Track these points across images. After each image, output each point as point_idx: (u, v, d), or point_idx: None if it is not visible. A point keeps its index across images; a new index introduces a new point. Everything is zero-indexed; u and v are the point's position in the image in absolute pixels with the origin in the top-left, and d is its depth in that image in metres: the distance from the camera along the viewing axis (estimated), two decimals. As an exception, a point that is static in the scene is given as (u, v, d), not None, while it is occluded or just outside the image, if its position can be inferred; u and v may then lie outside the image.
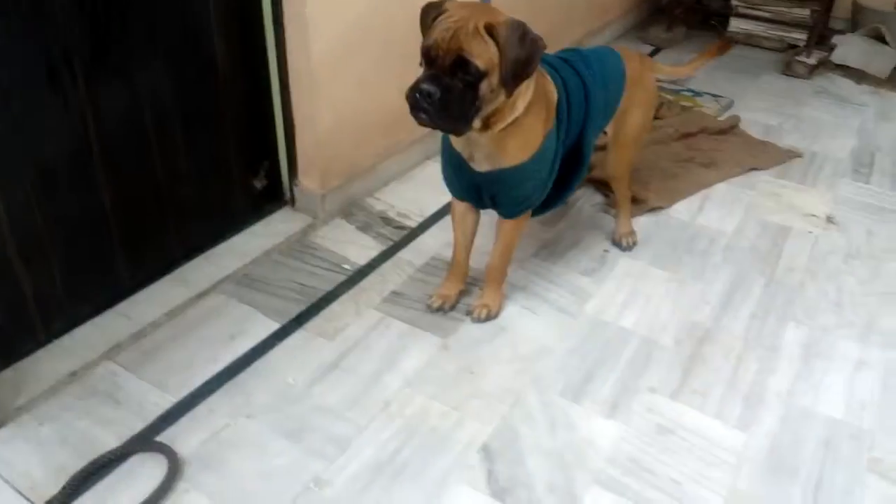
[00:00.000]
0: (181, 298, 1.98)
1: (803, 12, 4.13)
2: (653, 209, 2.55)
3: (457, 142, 1.74)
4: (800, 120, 3.33)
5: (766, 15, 4.19)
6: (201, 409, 1.68)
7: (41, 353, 1.76)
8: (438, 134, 2.72)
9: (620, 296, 2.13)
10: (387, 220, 2.44)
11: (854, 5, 4.08)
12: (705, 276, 2.23)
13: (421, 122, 1.53)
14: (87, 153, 1.74)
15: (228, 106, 2.09)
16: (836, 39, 3.98)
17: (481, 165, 1.73)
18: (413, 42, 2.45)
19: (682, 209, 2.58)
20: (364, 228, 2.39)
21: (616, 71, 2.00)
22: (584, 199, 2.60)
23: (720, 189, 2.72)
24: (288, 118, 2.25)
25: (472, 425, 1.68)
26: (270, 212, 2.38)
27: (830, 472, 1.60)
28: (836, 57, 3.91)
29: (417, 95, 1.49)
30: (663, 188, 2.66)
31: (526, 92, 1.62)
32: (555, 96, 1.76)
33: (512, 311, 2.05)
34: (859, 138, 3.17)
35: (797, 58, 3.87)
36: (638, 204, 2.50)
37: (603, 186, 2.59)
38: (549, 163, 1.79)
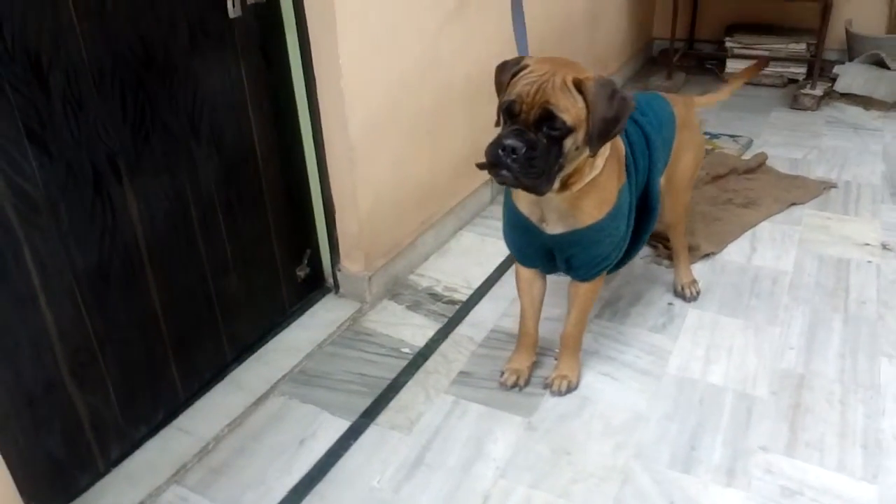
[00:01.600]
0: (240, 406, 1.84)
1: (799, 46, 4.19)
2: (706, 255, 2.47)
3: (525, 205, 1.65)
4: (822, 151, 3.31)
5: (763, 53, 4.23)
6: (285, 527, 1.53)
7: (103, 484, 1.60)
8: (470, 204, 2.70)
9: (699, 350, 2.02)
10: (435, 296, 2.33)
11: (847, 34, 4.14)
12: (779, 319, 2.13)
13: (502, 181, 1.45)
14: (136, 254, 1.63)
15: (269, 194, 2.00)
16: (837, 69, 4.01)
17: (554, 228, 1.64)
18: (440, 115, 2.44)
19: (733, 252, 2.50)
20: (414, 307, 2.27)
21: (666, 114, 1.95)
22: (634, 253, 2.50)
23: (765, 227, 2.65)
24: (328, 201, 2.16)
25: (583, 512, 1.53)
26: (315, 301, 2.27)
27: (983, 520, 1.46)
28: (841, 86, 3.94)
29: (500, 151, 1.41)
30: (710, 233, 2.59)
31: (604, 150, 1.54)
32: (623, 149, 1.70)
33: (591, 379, 1.92)
34: (886, 163, 3.14)
35: (803, 91, 3.89)
36: (690, 252, 2.41)
37: (650, 238, 2.50)
38: (626, 218, 1.70)
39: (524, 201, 1.65)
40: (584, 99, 1.39)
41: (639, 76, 4.50)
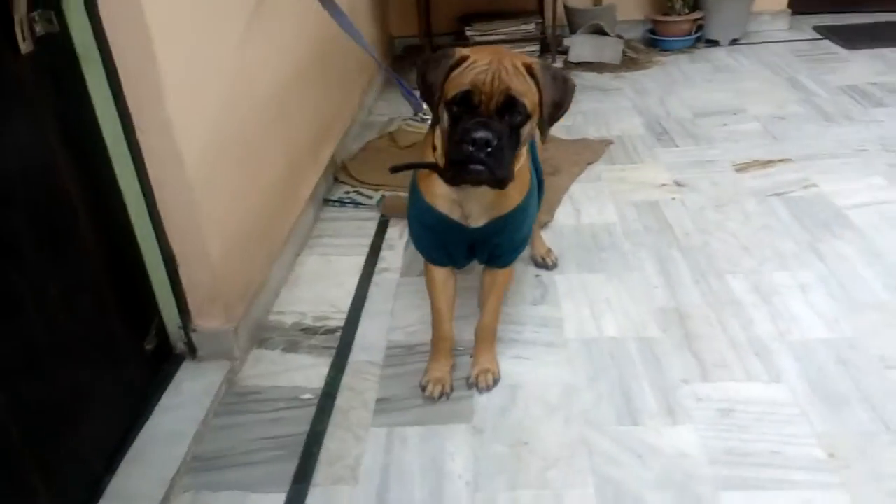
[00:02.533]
0: (143, 521, 1.49)
1: (529, 26, 4.58)
2: (543, 226, 2.58)
3: (444, 203, 1.56)
4: (585, 115, 3.66)
5: (501, 37, 4.56)
6: None
7: None
8: (300, 226, 2.50)
9: (584, 310, 2.10)
10: (309, 331, 2.11)
11: (566, 10, 4.62)
12: (632, 265, 2.30)
13: (475, 178, 1.36)
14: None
15: (97, 265, 1.64)
16: (566, 42, 4.47)
17: (479, 220, 1.57)
18: (260, 137, 2.20)
19: (562, 217, 2.65)
20: (291, 349, 2.04)
21: None
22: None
23: (577, 189, 2.85)
24: (168, 254, 1.83)
25: (572, 496, 1.50)
26: (171, 374, 1.92)
27: (863, 380, 1.73)
28: (573, 56, 4.40)
29: (472, 147, 1.30)
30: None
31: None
32: None
33: (508, 366, 1.90)
34: (641, 115, 3.57)
35: (546, 65, 4.26)
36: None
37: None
38: (536, 194, 1.71)
39: (443, 200, 1.56)
40: (536, 83, 1.36)
41: (397, 73, 4.55)
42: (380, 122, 3.73)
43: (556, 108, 1.40)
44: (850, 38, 4.34)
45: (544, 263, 2.32)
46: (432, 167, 1.53)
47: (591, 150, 3.18)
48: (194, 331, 1.94)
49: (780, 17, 4.79)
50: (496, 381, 1.82)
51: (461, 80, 1.35)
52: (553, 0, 4.20)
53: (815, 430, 1.61)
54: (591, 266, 2.31)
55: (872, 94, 3.50)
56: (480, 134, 1.30)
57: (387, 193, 2.88)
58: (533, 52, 4.61)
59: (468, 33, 4.59)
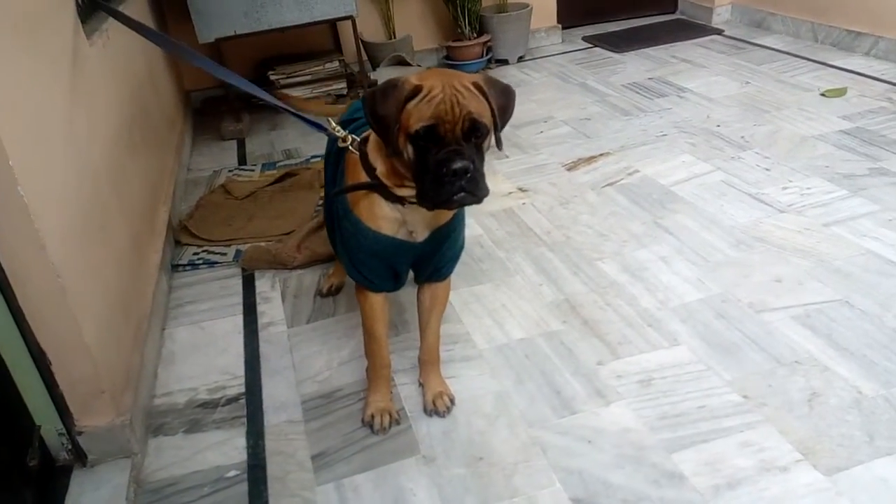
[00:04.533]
0: None
1: (334, 65, 4.60)
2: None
3: (388, 226, 1.54)
4: (411, 140, 3.74)
5: (307, 77, 4.53)
6: None
7: None
8: (157, 297, 2.29)
9: (486, 319, 2.15)
10: (209, 405, 1.93)
11: (364, 45, 4.71)
12: (511, 269, 2.40)
13: (461, 204, 1.40)
14: None
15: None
16: (373, 75, 4.55)
17: (422, 234, 1.57)
18: (101, 206, 1.97)
19: (430, 237, 2.69)
20: (194, 429, 1.85)
21: None
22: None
23: (432, 209, 2.91)
24: (37, 352, 1.57)
25: (543, 496, 1.52)
26: (62, 489, 1.64)
27: (743, 327, 1.96)
28: (382, 88, 4.49)
29: (450, 178, 1.32)
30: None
31: None
32: None
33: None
34: (464, 132, 3.73)
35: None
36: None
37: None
38: None
39: (386, 221, 1.53)
40: (486, 98, 1.39)
41: (201, 127, 4.34)
42: (203, 177, 3.52)
43: (503, 113, 1.45)
44: (616, 44, 4.92)
45: (431, 285, 2.33)
46: (375, 187, 1.50)
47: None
48: (80, 433, 1.68)
49: (553, 32, 5.28)
50: (453, 402, 1.80)
51: (421, 114, 1.34)
52: (354, 36, 4.26)
53: (724, 380, 1.79)
54: (475, 278, 2.37)
55: (652, 87, 3.99)
56: (458, 165, 1.32)
57: (241, 247, 2.72)
58: (341, 88, 4.64)
59: (272, 77, 4.49)
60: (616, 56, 4.67)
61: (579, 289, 2.24)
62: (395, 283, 1.70)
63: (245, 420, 1.85)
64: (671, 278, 2.23)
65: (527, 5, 4.85)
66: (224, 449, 1.76)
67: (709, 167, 2.94)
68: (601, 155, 3.21)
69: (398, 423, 1.76)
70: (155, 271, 2.39)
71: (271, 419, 1.84)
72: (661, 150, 3.17)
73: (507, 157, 3.34)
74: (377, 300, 1.70)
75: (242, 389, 1.97)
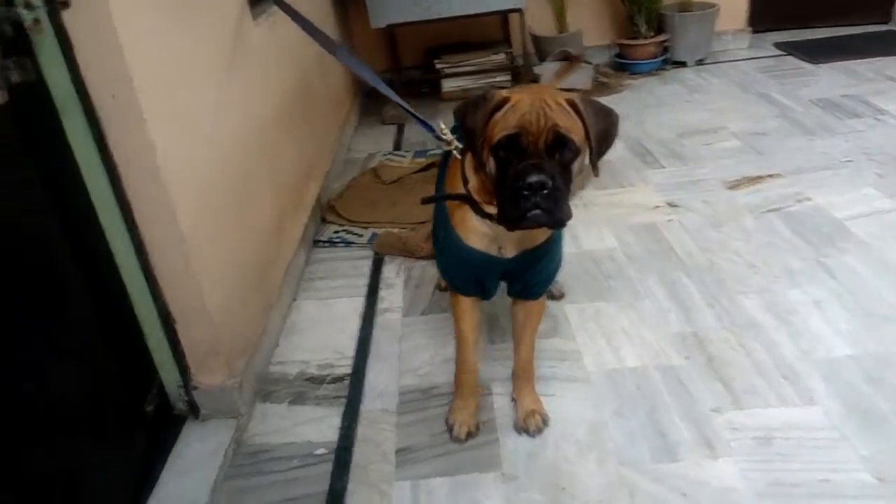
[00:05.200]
0: None
1: (499, 56, 4.58)
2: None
3: (478, 241, 1.51)
4: (566, 139, 3.63)
5: (472, 67, 4.55)
6: None
7: None
8: (292, 270, 2.40)
9: (601, 341, 2.04)
10: (315, 380, 2.00)
11: (533, 38, 4.64)
12: (641, 292, 2.25)
13: (534, 223, 1.30)
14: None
15: (91, 328, 1.52)
16: (537, 70, 4.47)
17: (512, 251, 1.52)
18: (248, 180, 2.11)
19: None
20: (299, 401, 1.93)
21: None
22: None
23: (571, 215, 2.80)
24: (164, 311, 1.71)
25: (621, 542, 1.42)
26: (174, 437, 1.79)
27: (896, 398, 1.70)
28: (544, 83, 4.40)
29: (526, 192, 1.24)
30: (535, 232, 2.66)
31: None
32: None
33: (531, 406, 1.81)
34: (620, 138, 3.54)
35: (521, 93, 4.24)
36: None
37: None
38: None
39: (477, 236, 1.50)
40: (580, 118, 1.31)
41: (368, 110, 4.51)
42: (359, 158, 3.66)
43: (603, 140, 1.36)
44: (813, 53, 4.44)
45: (551, 293, 2.25)
46: (464, 198, 1.47)
47: (581, 175, 3.14)
48: (195, 388, 1.82)
49: (740, 36, 4.88)
50: (546, 422, 1.74)
51: (506, 123, 1.29)
52: (521, 29, 4.20)
53: (858, 454, 1.56)
54: (600, 294, 2.25)
55: (846, 105, 3.55)
56: (535, 178, 1.24)
57: (378, 231, 2.79)
58: (504, 81, 4.60)
59: (438, 66, 4.56)
60: (809, 67, 4.22)
61: (712, 323, 2.05)
62: (481, 292, 1.66)
63: (345, 401, 1.90)
64: (822, 327, 1.98)
65: (713, 5, 4.52)
66: (319, 426, 1.82)
67: (895, 205, 2.57)
68: (770, 176, 2.92)
69: (474, 435, 1.72)
70: (294, 244, 2.52)
71: (368, 405, 1.88)
72: (842, 178, 2.82)
73: (662, 167, 3.14)
74: (466, 303, 1.67)
75: (349, 371, 2.02)
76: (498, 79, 4.58)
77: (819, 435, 1.62)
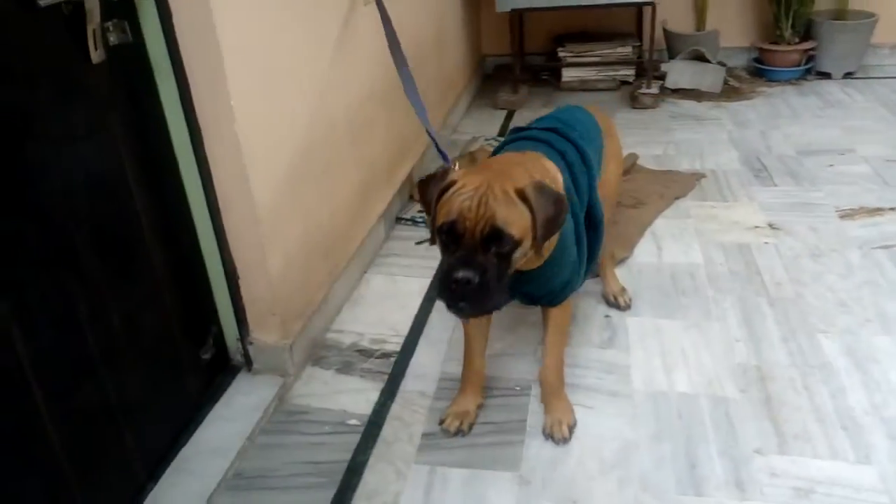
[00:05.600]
0: (175, 537, 1.47)
1: (626, 49, 4.42)
2: (619, 262, 2.44)
3: None
4: (677, 144, 3.48)
5: (595, 59, 4.42)
6: None
7: None
8: (369, 244, 2.47)
9: (655, 359, 1.96)
10: (365, 352, 2.07)
11: (666, 34, 4.44)
12: (714, 313, 2.14)
13: (462, 316, 1.38)
14: (17, 371, 1.23)
15: (159, 268, 1.65)
16: (664, 67, 4.29)
17: None
18: (330, 154, 2.20)
19: (642, 253, 2.51)
20: (345, 370, 2.01)
21: (593, 126, 1.90)
22: (555, 269, 2.43)
23: (660, 225, 2.69)
24: (230, 267, 1.83)
25: (618, 567, 1.38)
26: (225, 385, 1.92)
27: (973, 476, 1.52)
28: (670, 82, 4.21)
29: (453, 286, 1.26)
30: (615, 237, 2.57)
31: None
32: (560, 178, 1.58)
33: (565, 413, 1.78)
34: (738, 149, 3.36)
35: (640, 90, 4.09)
36: (610, 259, 2.38)
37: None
38: (574, 243, 1.61)
39: None
40: (528, 206, 1.30)
41: (482, 93, 4.51)
42: (462, 140, 3.68)
43: (551, 224, 1.35)
44: None
45: (616, 303, 2.19)
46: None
47: (680, 184, 3.01)
48: (251, 343, 1.94)
49: (902, 51, 4.42)
50: (572, 430, 1.71)
51: (448, 207, 1.31)
52: (652, 22, 4.02)
53: (908, 527, 1.42)
54: (668, 311, 2.16)
55: None
56: (461, 274, 1.26)
57: (460, 215, 2.81)
58: (627, 75, 4.46)
59: (560, 54, 4.48)
60: (976, 92, 3.76)
61: (781, 359, 1.92)
62: None
63: (386, 377, 1.95)
64: (903, 381, 1.80)
65: (872, 15, 4.11)
66: (357, 397, 1.88)
67: None
68: (891, 209, 2.66)
69: (465, 432, 1.73)
70: (375, 219, 2.60)
71: (407, 385, 1.92)
72: (977, 222, 2.51)
73: (775, 185, 2.94)
74: None
75: (398, 349, 2.07)
76: (621, 72, 4.45)
77: (867, 498, 1.48)
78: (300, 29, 1.96)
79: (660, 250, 2.52)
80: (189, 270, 1.78)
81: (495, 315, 2.09)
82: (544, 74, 4.72)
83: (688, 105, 4.02)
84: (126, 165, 1.53)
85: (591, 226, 1.76)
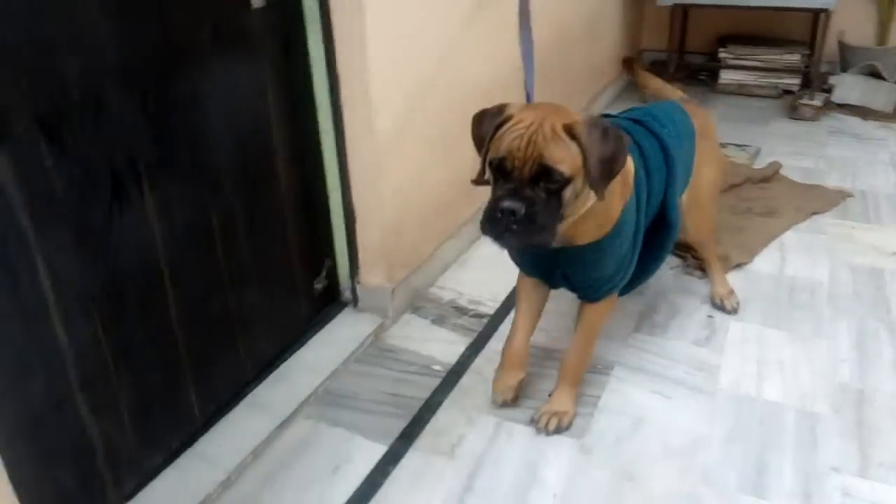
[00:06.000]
0: (264, 429, 1.67)
1: (793, 57, 4.18)
2: (736, 266, 2.37)
3: None
4: (830, 160, 3.27)
5: (758, 64, 4.22)
6: (330, 570, 1.36)
7: (117, 525, 1.42)
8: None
9: (750, 365, 1.91)
10: (460, 310, 2.18)
11: (841, 45, 4.15)
12: (825, 332, 2.04)
13: (506, 246, 1.36)
14: (154, 265, 1.46)
15: (288, 201, 1.85)
16: (833, 80, 4.01)
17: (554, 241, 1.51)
18: (457, 118, 2.29)
19: (764, 262, 2.42)
20: (439, 322, 2.13)
21: (687, 127, 1.85)
22: (663, 263, 2.40)
23: (791, 237, 2.57)
24: (349, 209, 2.00)
25: (659, 545, 1.40)
26: (332, 315, 2.10)
27: None
28: (837, 97, 3.94)
29: (499, 216, 1.29)
30: (737, 242, 2.50)
31: None
32: (631, 165, 1.57)
33: (642, 398, 1.80)
34: (899, 172, 3.11)
35: (802, 101, 3.86)
36: (720, 262, 2.32)
37: (677, 248, 2.40)
38: (630, 238, 1.57)
39: None
40: (579, 144, 1.30)
41: (632, 86, 4.43)
42: (601, 130, 3.66)
43: (608, 164, 1.32)
44: None
45: (722, 306, 2.14)
46: None
47: (823, 200, 2.84)
48: (359, 283, 2.10)
49: None
50: (562, 429, 1.69)
51: (499, 144, 1.32)
52: (823, 31, 3.78)
53: None
54: (776, 321, 2.09)
55: None
56: (507, 204, 1.28)
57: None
58: (791, 84, 4.21)
59: (721, 55, 4.32)
60: None
61: (888, 387, 1.81)
62: (540, 275, 1.66)
63: (475, 335, 2.05)
64: None
65: None
66: (445, 348, 2.00)
67: None
68: None
69: (510, 404, 1.76)
70: (496, 190, 2.69)
71: (494, 344, 2.01)
72: None
73: (936, 212, 2.71)
74: (527, 284, 1.72)
75: (491, 312, 2.16)
76: (785, 80, 4.21)
77: (947, 540, 1.39)
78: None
79: (783, 262, 2.41)
80: (313, 206, 1.96)
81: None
82: (702, 74, 4.57)
83: (851, 122, 3.75)
84: (270, 102, 1.72)
85: (664, 225, 1.74)
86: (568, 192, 1.32)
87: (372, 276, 2.09)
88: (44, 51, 1.16)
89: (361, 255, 2.08)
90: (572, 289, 1.63)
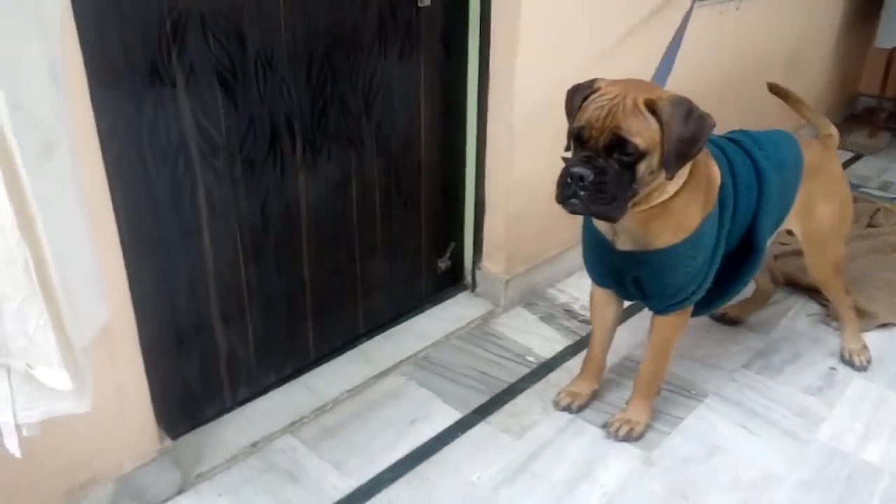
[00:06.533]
0: (363, 376, 1.89)
1: None
2: (883, 325, 2.20)
3: (599, 223, 1.56)
4: None
5: None
6: (381, 498, 1.54)
7: (225, 420, 1.71)
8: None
9: (858, 423, 1.79)
10: (571, 313, 2.26)
11: None
12: (962, 410, 1.84)
13: (572, 210, 1.38)
14: (296, 215, 1.73)
15: (425, 183, 2.06)
16: None
17: (625, 244, 1.53)
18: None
19: (917, 327, 2.21)
20: (547, 319, 2.22)
21: (791, 155, 1.76)
22: (799, 308, 2.29)
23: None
24: (480, 199, 2.18)
25: (690, 562, 1.40)
26: (450, 295, 2.29)
27: None
28: None
29: (568, 180, 1.34)
30: (894, 302, 2.30)
31: (681, 172, 1.41)
32: (718, 178, 1.54)
33: (725, 429, 1.77)
34: None
35: None
36: (865, 318, 2.17)
37: (818, 295, 2.27)
38: (708, 250, 1.54)
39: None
40: (658, 120, 1.31)
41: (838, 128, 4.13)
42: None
43: (686, 144, 1.31)
44: None
45: (850, 360, 2.02)
46: None
47: None
48: (479, 269, 2.27)
49: None
50: (631, 438, 1.71)
51: (581, 115, 1.36)
52: None
53: None
54: (908, 386, 1.93)
55: None
56: (576, 169, 1.32)
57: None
58: None
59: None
60: None
61: None
62: (604, 281, 1.67)
63: (577, 338, 2.12)
64: None
65: None
66: (544, 343, 2.10)
67: None
68: None
69: (573, 411, 1.80)
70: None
71: (590, 352, 2.07)
72: None
73: None
74: (597, 293, 1.74)
75: (601, 321, 2.21)
76: None
77: None
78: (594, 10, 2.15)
79: (941, 330, 2.19)
80: (448, 192, 2.16)
81: (704, 324, 2.12)
82: (893, 124, 4.13)
83: None
84: (423, 93, 1.94)
85: (748, 250, 1.68)
86: (642, 168, 1.33)
87: (492, 264, 2.25)
88: (231, 17, 1.46)
89: (485, 243, 2.24)
90: (643, 297, 1.65)
